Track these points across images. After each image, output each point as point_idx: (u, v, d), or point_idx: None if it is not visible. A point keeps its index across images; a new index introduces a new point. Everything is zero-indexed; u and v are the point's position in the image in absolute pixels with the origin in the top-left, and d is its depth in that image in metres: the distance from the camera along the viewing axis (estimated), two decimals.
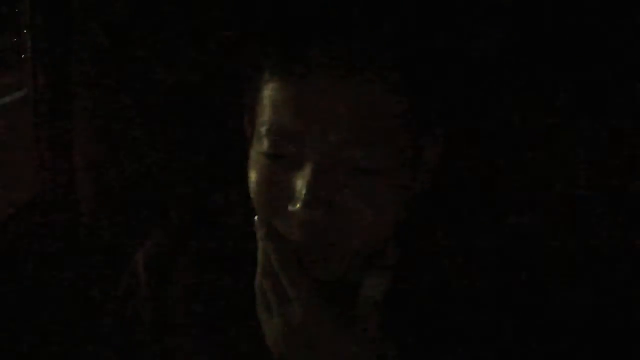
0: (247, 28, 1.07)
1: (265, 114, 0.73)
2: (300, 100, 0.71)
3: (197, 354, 0.84)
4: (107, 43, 1.16)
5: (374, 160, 0.71)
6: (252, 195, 0.76)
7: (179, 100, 1.18)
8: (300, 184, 0.71)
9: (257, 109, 0.75)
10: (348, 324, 0.74)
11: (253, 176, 0.76)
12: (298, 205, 0.70)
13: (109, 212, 1.23)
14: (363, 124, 0.70)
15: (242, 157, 0.81)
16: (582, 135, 1.08)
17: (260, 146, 0.74)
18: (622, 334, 1.03)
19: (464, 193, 1.05)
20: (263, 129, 0.73)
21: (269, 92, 0.73)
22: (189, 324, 0.86)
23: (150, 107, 1.20)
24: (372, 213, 0.73)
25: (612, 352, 1.01)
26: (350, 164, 0.71)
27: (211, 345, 0.84)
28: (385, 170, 0.72)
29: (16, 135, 1.24)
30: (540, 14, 1.07)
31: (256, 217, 0.77)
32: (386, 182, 0.73)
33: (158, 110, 1.19)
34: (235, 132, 0.88)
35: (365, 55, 0.70)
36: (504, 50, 1.07)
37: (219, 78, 1.15)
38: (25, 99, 1.22)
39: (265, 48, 0.75)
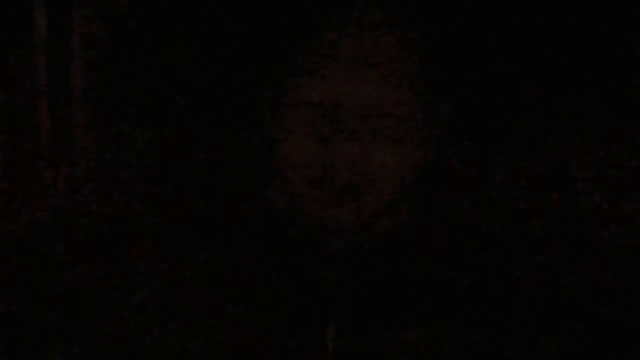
0: None
1: (300, 64, 0.79)
2: (333, 48, 0.77)
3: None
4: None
5: (399, 99, 0.77)
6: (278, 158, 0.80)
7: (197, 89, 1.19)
8: (325, 122, 0.77)
9: (292, 61, 0.80)
10: None
11: (278, 128, 0.80)
12: (321, 142, 0.76)
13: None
14: (391, 65, 0.77)
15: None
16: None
17: (289, 92, 0.79)
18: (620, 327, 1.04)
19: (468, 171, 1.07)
20: (294, 74, 0.79)
21: (300, 45, 0.80)
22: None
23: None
24: (390, 154, 0.78)
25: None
26: (376, 101, 0.77)
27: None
28: (405, 113, 0.78)
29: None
30: None
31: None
32: (405, 125, 0.78)
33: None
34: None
35: (384, 10, 0.79)
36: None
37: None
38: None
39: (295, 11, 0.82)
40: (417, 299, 0.81)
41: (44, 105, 1.24)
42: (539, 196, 1.08)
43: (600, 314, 0.90)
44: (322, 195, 0.78)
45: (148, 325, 0.88)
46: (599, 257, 1.03)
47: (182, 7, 1.19)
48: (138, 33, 1.20)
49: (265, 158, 0.82)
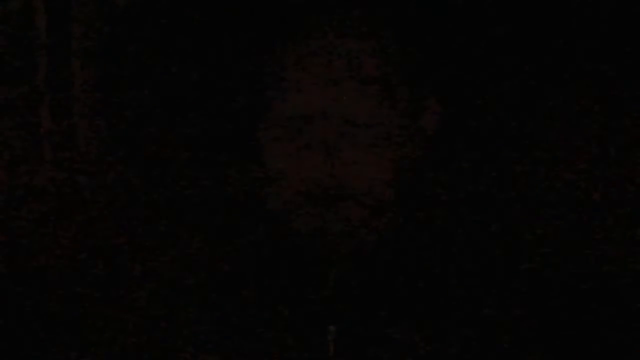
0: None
1: (281, 80, 0.82)
2: (305, 61, 0.79)
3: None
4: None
5: (378, 114, 0.79)
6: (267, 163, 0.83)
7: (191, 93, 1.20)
8: (309, 134, 0.79)
9: (273, 77, 0.83)
10: None
11: (267, 140, 0.83)
12: (307, 154, 0.79)
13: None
14: (364, 77, 0.79)
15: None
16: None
17: (276, 110, 0.81)
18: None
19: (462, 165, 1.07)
20: (280, 93, 0.81)
21: (278, 58, 0.82)
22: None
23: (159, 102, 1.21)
24: (376, 164, 0.80)
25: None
26: (352, 115, 0.79)
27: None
28: (388, 124, 0.80)
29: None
30: None
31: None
32: (389, 136, 0.80)
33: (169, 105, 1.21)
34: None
35: (363, 20, 0.79)
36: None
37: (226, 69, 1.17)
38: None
39: (273, 23, 0.83)
40: (407, 300, 0.83)
41: (45, 104, 1.25)
42: (531, 199, 1.08)
43: (600, 318, 0.91)
44: (306, 204, 0.80)
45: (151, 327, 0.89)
46: (595, 263, 1.04)
47: (172, 15, 1.19)
48: (133, 35, 1.20)
49: (258, 166, 0.84)
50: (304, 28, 0.80)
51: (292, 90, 0.79)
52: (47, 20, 1.21)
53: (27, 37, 1.21)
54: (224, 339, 0.87)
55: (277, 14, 0.83)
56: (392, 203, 0.84)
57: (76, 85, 1.22)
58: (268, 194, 0.85)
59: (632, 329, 0.93)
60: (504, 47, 1.09)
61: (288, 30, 0.81)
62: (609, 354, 0.89)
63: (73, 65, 1.22)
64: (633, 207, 1.06)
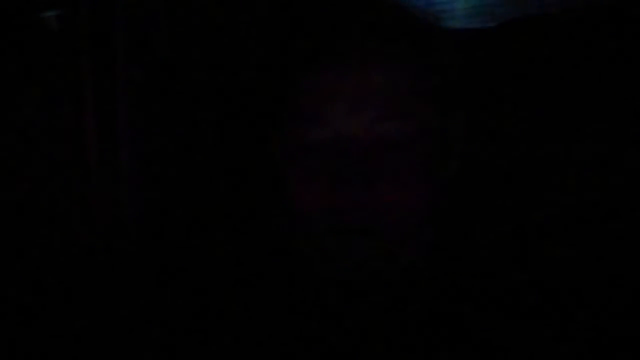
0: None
1: (300, 105, 0.78)
2: (329, 86, 0.76)
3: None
4: None
5: (404, 132, 0.76)
6: (290, 193, 0.79)
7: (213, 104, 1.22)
8: (334, 167, 0.75)
9: (292, 103, 0.80)
10: None
11: (290, 173, 0.79)
12: (331, 187, 0.75)
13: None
14: (388, 100, 0.76)
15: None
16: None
17: (297, 139, 0.78)
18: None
19: (493, 183, 1.07)
20: (299, 121, 0.78)
21: (299, 87, 0.79)
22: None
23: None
24: (402, 191, 0.76)
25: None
26: (379, 138, 0.76)
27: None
28: (412, 146, 0.77)
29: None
30: None
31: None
32: (414, 160, 0.77)
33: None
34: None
35: (387, 50, 0.77)
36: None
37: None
38: None
39: (295, 47, 0.81)
40: (439, 333, 0.78)
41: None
42: (564, 225, 1.08)
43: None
44: (335, 238, 0.76)
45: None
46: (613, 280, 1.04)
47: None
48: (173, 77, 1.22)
49: (279, 200, 0.81)
50: (326, 55, 0.78)
51: (317, 116, 0.76)
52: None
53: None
54: None
55: (299, 41, 0.81)
56: (423, 232, 0.81)
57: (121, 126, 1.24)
58: (294, 229, 0.82)
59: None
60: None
61: (310, 58, 0.79)
62: None
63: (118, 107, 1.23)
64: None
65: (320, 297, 0.82)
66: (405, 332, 0.80)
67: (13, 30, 1.18)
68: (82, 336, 1.18)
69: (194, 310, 0.86)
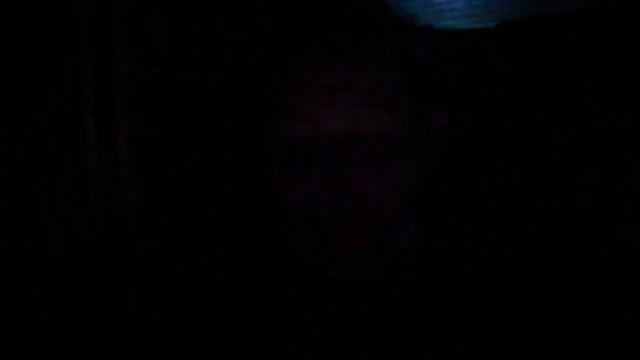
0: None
1: (284, 102, 0.79)
2: (315, 82, 0.77)
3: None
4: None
5: (380, 122, 0.76)
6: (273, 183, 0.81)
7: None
8: (312, 157, 0.76)
9: (277, 100, 0.81)
10: None
11: (273, 166, 0.80)
12: (311, 179, 0.76)
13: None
14: (366, 93, 0.77)
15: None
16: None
17: (277, 132, 0.79)
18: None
19: (477, 177, 1.07)
20: (277, 113, 0.79)
21: (280, 79, 0.80)
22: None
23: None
24: (382, 181, 0.77)
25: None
26: (357, 128, 0.76)
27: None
28: (391, 136, 0.77)
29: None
30: None
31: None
32: (393, 149, 0.77)
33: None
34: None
35: (369, 48, 0.78)
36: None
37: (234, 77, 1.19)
38: None
39: (276, 39, 0.82)
40: (425, 325, 0.80)
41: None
42: (545, 205, 1.08)
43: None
44: (318, 228, 0.77)
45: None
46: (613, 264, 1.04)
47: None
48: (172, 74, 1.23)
49: (266, 193, 0.82)
50: (305, 46, 0.79)
51: (301, 113, 0.77)
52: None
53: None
54: None
55: (279, 32, 0.82)
56: (405, 220, 0.82)
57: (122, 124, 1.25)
58: (277, 219, 0.84)
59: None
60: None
61: (288, 50, 0.80)
62: None
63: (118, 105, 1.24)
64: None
65: (308, 291, 0.83)
66: (392, 324, 0.80)
67: (13, 30, 1.18)
68: (82, 335, 1.19)
69: (192, 307, 0.88)
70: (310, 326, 0.82)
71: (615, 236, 1.09)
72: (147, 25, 1.23)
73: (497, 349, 0.79)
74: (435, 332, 0.80)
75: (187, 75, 1.23)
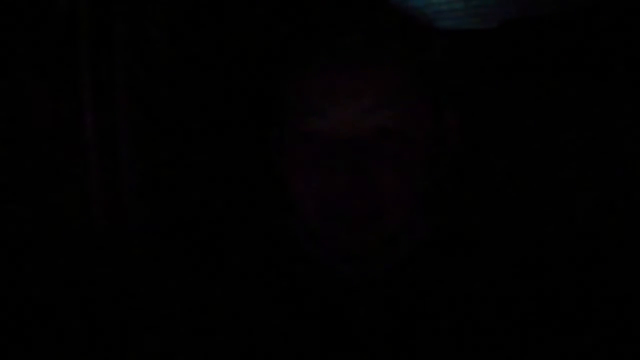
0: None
1: (295, 97, 0.80)
2: (326, 77, 0.78)
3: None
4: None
5: (397, 121, 0.77)
6: (287, 182, 0.81)
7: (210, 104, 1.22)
8: (330, 155, 0.76)
9: (289, 97, 0.81)
10: None
11: (288, 164, 0.81)
12: (328, 175, 0.76)
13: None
14: (383, 91, 0.77)
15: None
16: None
17: (293, 130, 0.79)
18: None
19: (490, 174, 1.07)
20: (296, 112, 0.79)
21: (297, 78, 0.80)
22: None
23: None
24: (398, 178, 0.77)
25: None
26: (374, 126, 0.77)
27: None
28: (407, 134, 0.78)
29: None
30: None
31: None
32: (409, 148, 0.78)
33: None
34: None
35: (380, 41, 0.78)
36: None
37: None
38: None
39: (294, 41, 0.83)
40: (436, 322, 0.80)
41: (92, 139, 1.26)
42: (556, 202, 1.09)
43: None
44: (333, 226, 0.77)
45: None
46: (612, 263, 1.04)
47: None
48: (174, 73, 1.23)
49: (280, 190, 0.82)
50: (324, 50, 0.79)
51: (312, 107, 0.77)
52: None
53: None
54: None
55: (298, 36, 0.82)
56: (417, 219, 0.82)
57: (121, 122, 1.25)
58: (291, 219, 0.84)
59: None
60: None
61: (308, 53, 0.80)
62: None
63: (117, 105, 1.24)
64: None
65: (318, 288, 0.83)
66: (399, 323, 0.80)
67: (11, 29, 1.18)
68: (82, 334, 1.19)
69: (194, 305, 0.88)
70: (316, 319, 0.81)
71: (616, 236, 1.09)
72: (147, 24, 1.23)
73: (504, 347, 0.80)
74: (440, 328, 0.80)
75: (191, 74, 1.23)
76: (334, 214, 0.77)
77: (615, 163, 1.10)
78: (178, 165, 1.25)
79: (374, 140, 0.76)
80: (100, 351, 1.19)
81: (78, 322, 1.20)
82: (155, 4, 1.21)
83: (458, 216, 0.92)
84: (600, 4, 1.11)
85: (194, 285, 0.88)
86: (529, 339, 0.81)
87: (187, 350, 0.86)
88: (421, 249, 0.84)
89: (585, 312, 0.85)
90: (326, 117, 0.77)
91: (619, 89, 1.10)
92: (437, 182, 0.82)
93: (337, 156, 0.75)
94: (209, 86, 1.23)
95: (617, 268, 1.07)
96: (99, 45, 1.22)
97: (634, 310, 1.03)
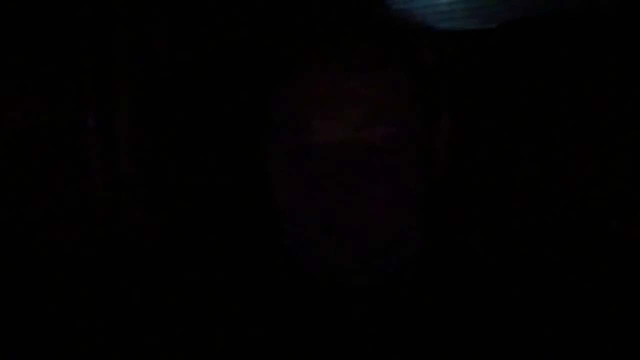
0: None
1: (285, 113, 0.78)
2: (317, 91, 0.76)
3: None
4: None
5: (389, 137, 0.76)
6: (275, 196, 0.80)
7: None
8: (320, 170, 0.75)
9: (277, 111, 0.80)
10: None
11: (279, 179, 0.79)
12: (318, 192, 0.75)
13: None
14: (374, 104, 0.76)
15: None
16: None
17: (282, 145, 0.78)
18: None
19: (482, 183, 1.07)
20: (285, 126, 0.78)
21: (287, 92, 0.78)
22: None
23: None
24: (390, 193, 0.76)
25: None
26: (365, 142, 0.75)
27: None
28: (398, 149, 0.77)
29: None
30: None
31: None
32: (401, 162, 0.77)
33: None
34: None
35: (372, 54, 0.76)
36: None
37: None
38: None
39: (282, 51, 0.81)
40: (428, 333, 0.79)
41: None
42: (546, 214, 1.08)
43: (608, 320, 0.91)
44: (321, 240, 0.76)
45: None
46: (605, 263, 1.04)
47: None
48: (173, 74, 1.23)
49: (270, 205, 0.81)
50: (309, 55, 0.78)
51: (302, 124, 0.76)
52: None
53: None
54: None
55: (284, 48, 0.81)
56: (410, 227, 0.81)
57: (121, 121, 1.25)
58: (280, 230, 0.83)
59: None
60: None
61: (294, 64, 0.79)
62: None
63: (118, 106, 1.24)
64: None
65: (310, 297, 0.83)
66: (395, 333, 0.80)
67: (12, 30, 1.19)
68: (84, 334, 1.19)
69: (191, 308, 0.87)
70: (308, 327, 0.81)
71: (616, 236, 1.09)
72: (147, 25, 1.23)
73: (500, 354, 0.80)
74: (436, 336, 0.79)
75: (187, 79, 1.23)
76: (324, 228, 0.76)
77: (615, 163, 1.10)
78: (178, 165, 1.25)
79: (365, 157, 0.75)
80: (100, 351, 1.20)
81: (77, 321, 1.20)
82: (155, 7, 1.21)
83: (453, 226, 0.90)
84: (600, 4, 1.11)
85: (189, 285, 0.88)
86: (523, 349, 0.81)
87: (184, 350, 0.86)
88: (414, 261, 0.84)
89: (585, 313, 0.85)
90: (311, 129, 0.75)
91: (619, 88, 1.10)
92: (429, 189, 0.82)
93: (327, 174, 0.74)
94: (204, 92, 1.23)
95: (617, 271, 1.07)
96: (102, 51, 1.22)
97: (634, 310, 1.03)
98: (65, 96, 1.23)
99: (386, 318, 0.81)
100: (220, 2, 1.21)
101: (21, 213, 1.23)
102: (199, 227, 1.23)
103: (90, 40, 1.22)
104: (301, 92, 0.76)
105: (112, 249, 1.27)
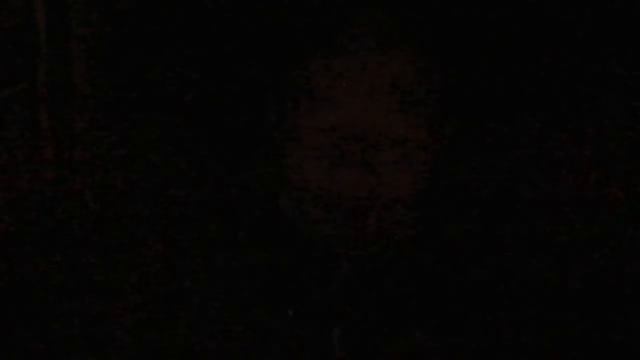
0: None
1: (312, 88, 0.81)
2: (344, 73, 0.79)
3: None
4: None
5: (410, 127, 0.80)
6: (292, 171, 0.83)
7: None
8: (339, 149, 0.79)
9: (298, 88, 0.82)
10: None
11: (295, 151, 0.82)
12: (335, 168, 0.79)
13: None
14: (398, 93, 0.79)
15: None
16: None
17: (308, 118, 0.80)
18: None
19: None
20: (312, 104, 0.80)
21: (313, 71, 0.81)
22: None
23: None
24: (402, 180, 0.81)
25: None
26: (389, 131, 0.79)
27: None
28: (417, 141, 0.81)
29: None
30: None
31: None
32: (418, 153, 0.81)
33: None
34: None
35: (403, 32, 0.81)
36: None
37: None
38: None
39: (311, 28, 0.84)
40: (421, 306, 0.83)
41: (45, 103, 1.24)
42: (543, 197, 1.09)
43: (603, 313, 0.92)
44: (330, 217, 0.80)
45: None
46: (601, 256, 1.05)
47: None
48: (138, 31, 1.20)
49: (278, 177, 0.84)
50: (338, 40, 0.80)
51: (323, 103, 0.79)
52: (47, 19, 1.20)
53: (27, 36, 1.21)
54: (228, 338, 0.87)
55: (310, 24, 0.83)
56: (413, 215, 0.85)
57: (76, 84, 1.22)
58: (290, 204, 0.85)
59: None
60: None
61: (320, 42, 0.81)
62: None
63: (74, 65, 1.21)
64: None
65: (309, 265, 0.86)
66: (385, 303, 0.85)
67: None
68: (82, 333, 1.15)
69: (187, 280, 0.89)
70: (304, 293, 0.85)
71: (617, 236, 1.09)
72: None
73: (492, 345, 0.82)
74: (423, 314, 0.84)
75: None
76: (337, 204, 0.79)
77: (615, 162, 1.11)
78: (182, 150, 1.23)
79: (385, 142, 0.79)
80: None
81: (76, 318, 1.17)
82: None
83: (455, 210, 0.93)
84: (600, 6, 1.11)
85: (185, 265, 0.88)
86: (515, 338, 0.83)
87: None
88: (415, 242, 0.86)
89: (579, 315, 0.87)
90: (341, 109, 0.78)
91: (621, 89, 1.10)
92: (432, 180, 0.84)
93: (347, 151, 0.78)
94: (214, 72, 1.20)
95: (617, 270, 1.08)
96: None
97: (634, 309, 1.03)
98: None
99: (371, 286, 0.85)
100: None
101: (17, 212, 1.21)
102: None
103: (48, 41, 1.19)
104: (333, 68, 0.78)
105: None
